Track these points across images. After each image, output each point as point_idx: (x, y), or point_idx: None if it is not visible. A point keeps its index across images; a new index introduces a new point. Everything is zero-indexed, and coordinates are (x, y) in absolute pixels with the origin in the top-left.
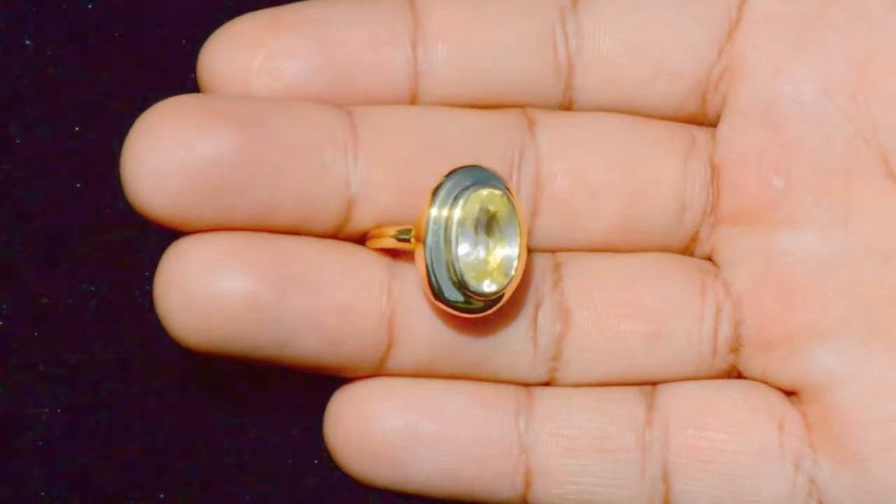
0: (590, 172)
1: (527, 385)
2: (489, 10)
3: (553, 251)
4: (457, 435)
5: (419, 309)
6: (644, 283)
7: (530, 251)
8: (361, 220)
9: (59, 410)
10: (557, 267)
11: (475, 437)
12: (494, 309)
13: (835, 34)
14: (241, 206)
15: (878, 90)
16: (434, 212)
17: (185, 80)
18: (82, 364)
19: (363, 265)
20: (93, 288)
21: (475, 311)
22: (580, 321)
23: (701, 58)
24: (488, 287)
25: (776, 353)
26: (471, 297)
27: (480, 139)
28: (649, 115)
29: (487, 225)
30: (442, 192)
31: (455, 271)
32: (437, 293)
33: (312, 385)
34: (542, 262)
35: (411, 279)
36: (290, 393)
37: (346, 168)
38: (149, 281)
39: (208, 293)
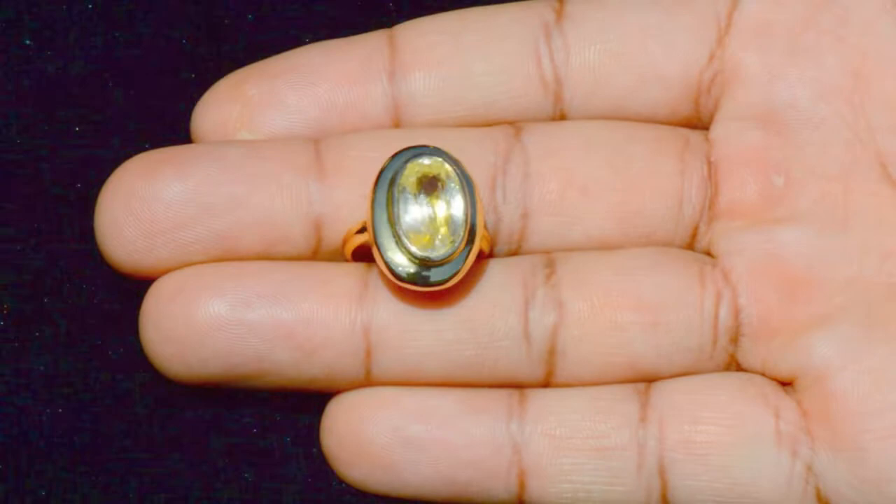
0: (580, 171)
1: (525, 385)
2: (470, 33)
3: (548, 252)
4: (447, 438)
5: (397, 315)
6: (641, 273)
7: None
8: (335, 239)
9: (59, 410)
10: (551, 262)
11: (465, 441)
12: (455, 280)
13: (827, 39)
14: (199, 241)
15: (874, 93)
16: (378, 194)
17: (185, 80)
18: (82, 364)
19: (331, 278)
20: (93, 288)
21: (436, 284)
22: (576, 312)
23: (690, 63)
24: (438, 251)
25: (776, 341)
26: (425, 264)
27: (458, 148)
28: (642, 122)
29: (429, 189)
30: (385, 174)
31: (402, 242)
32: (394, 272)
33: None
34: (533, 258)
35: (384, 286)
36: (288, 403)
37: (306, 189)
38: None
39: (175, 324)
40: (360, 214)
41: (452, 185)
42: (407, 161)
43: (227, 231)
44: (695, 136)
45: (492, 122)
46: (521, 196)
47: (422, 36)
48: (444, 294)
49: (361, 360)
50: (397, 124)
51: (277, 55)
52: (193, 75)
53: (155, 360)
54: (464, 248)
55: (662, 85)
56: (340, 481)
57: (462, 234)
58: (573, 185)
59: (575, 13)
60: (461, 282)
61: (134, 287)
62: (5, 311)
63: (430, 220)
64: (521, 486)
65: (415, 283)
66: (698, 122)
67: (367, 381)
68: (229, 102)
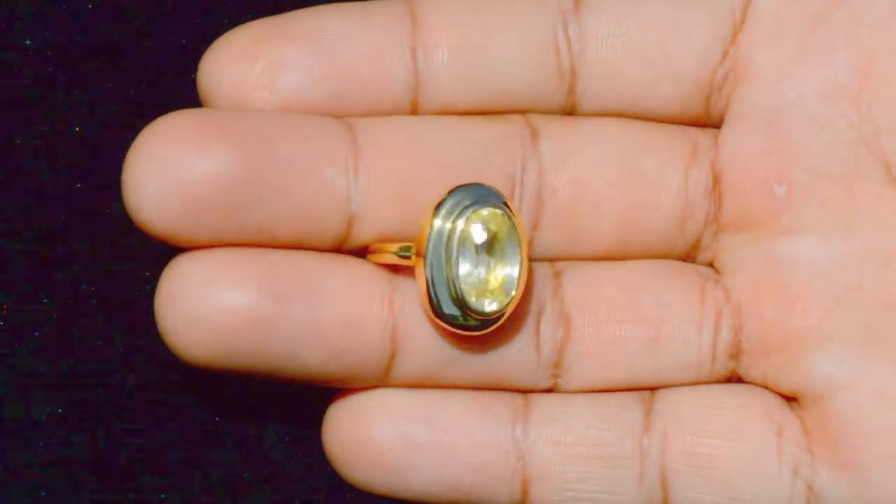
0: (592, 185)
1: (529, 392)
2: (490, 15)
3: (553, 261)
4: (452, 442)
5: (421, 319)
6: (644, 289)
7: (531, 265)
8: (362, 235)
9: (59, 410)
10: (557, 275)
11: (471, 444)
12: (494, 327)
13: (838, 38)
14: (242, 224)
15: (881, 95)
16: (435, 230)
17: (185, 80)
18: (82, 364)
19: (364, 277)
20: (93, 288)
21: (474, 329)
22: (581, 328)
23: (704, 60)
24: (489, 306)
25: (776, 359)
26: (470, 315)
27: (481, 152)
28: (653, 119)
29: (488, 244)
30: (443, 210)
31: (455, 290)
32: (437, 310)
33: (314, 391)
34: (541, 271)
35: (412, 291)
36: (290, 400)
37: (346, 184)
38: (149, 281)
39: (209, 308)
40: (392, 217)
41: (512, 242)
42: (472, 205)
43: (270, 219)
44: (704, 139)
45: (505, 108)
46: (534, 207)
47: (444, 11)
48: (467, 338)
49: (385, 364)
50: (415, 101)
51: (295, 13)
52: (194, 75)
53: (178, 343)
54: (508, 308)
55: (676, 82)
56: (341, 482)
57: (514, 292)
58: (584, 200)
59: (592, 2)
60: None
61: (134, 287)
62: (5, 311)
63: (486, 274)
64: (524, 492)
65: (456, 327)
66: (708, 120)
67: (382, 383)
68: (248, 60)
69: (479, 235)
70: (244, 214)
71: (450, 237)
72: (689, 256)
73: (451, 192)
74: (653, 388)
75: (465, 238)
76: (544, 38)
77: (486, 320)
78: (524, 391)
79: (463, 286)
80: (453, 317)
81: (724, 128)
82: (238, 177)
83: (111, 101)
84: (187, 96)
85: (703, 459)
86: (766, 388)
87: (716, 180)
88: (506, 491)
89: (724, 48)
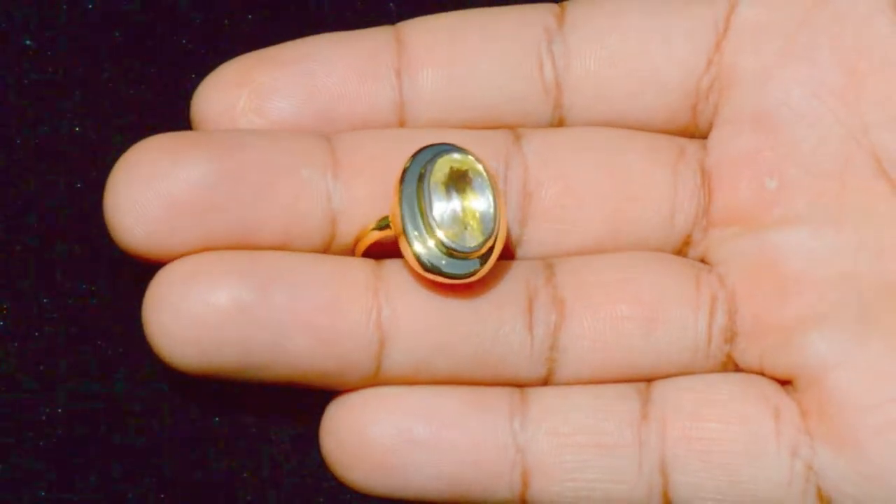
0: (577, 178)
1: (526, 384)
2: (474, 34)
3: (544, 258)
4: (452, 438)
5: (408, 305)
6: (639, 273)
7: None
8: (347, 236)
9: (59, 410)
10: (549, 266)
11: (470, 440)
12: (483, 272)
13: (823, 37)
14: (224, 226)
15: (868, 90)
16: (406, 187)
17: (185, 81)
18: (82, 364)
19: (346, 267)
20: (93, 288)
21: (464, 277)
22: (576, 310)
23: (689, 70)
24: (470, 241)
25: (771, 340)
26: (455, 256)
27: None
28: (640, 129)
29: (457, 183)
30: (412, 169)
31: (435, 235)
32: (422, 262)
33: (308, 396)
34: (534, 264)
35: (397, 279)
36: (286, 404)
37: (325, 184)
38: (149, 281)
39: (193, 305)
40: (375, 213)
41: (482, 180)
42: (436, 156)
43: (251, 220)
44: (691, 145)
45: (492, 125)
46: (520, 203)
47: (429, 33)
48: (462, 287)
49: (374, 353)
50: (402, 121)
51: (284, 43)
52: (194, 75)
53: (166, 346)
54: (491, 243)
55: (661, 93)
56: (337, 482)
57: (492, 227)
58: (571, 193)
59: (576, 19)
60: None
61: (134, 287)
62: (5, 311)
63: (461, 213)
64: (525, 484)
65: (442, 275)
66: (695, 131)
67: (375, 378)
68: (237, 87)
69: (447, 176)
70: (225, 216)
71: (420, 187)
72: (680, 253)
73: (414, 155)
74: (650, 375)
75: (435, 183)
76: (528, 54)
77: (473, 263)
78: (521, 383)
79: (440, 228)
80: (440, 266)
81: (713, 132)
82: (215, 179)
83: (111, 101)
84: (187, 97)
85: (701, 444)
86: (761, 373)
87: (705, 178)
88: (506, 485)
89: (708, 56)
